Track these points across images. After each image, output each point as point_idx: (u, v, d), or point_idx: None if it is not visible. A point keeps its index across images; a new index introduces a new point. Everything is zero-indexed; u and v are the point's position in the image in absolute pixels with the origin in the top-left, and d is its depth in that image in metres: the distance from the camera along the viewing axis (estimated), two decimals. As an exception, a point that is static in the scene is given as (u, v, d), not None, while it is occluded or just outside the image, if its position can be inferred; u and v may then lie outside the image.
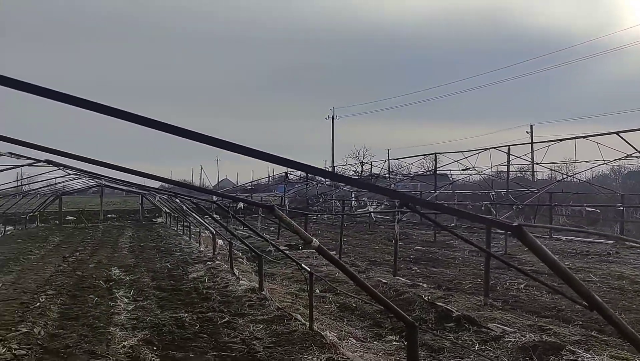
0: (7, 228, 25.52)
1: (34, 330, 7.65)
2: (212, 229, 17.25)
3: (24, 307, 9.29)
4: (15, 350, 6.73)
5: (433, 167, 26.85)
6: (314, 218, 33.35)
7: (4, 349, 6.69)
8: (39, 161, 8.19)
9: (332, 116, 69.98)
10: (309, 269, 8.37)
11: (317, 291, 11.19)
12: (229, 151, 3.02)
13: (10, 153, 6.65)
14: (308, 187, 40.33)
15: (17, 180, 27.68)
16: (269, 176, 59.54)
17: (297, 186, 46.22)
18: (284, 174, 40.41)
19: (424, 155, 32.56)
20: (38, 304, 9.39)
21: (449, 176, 32.75)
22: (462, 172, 25.86)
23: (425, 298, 10.01)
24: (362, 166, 56.95)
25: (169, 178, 8.08)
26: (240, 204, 18.85)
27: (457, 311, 9.02)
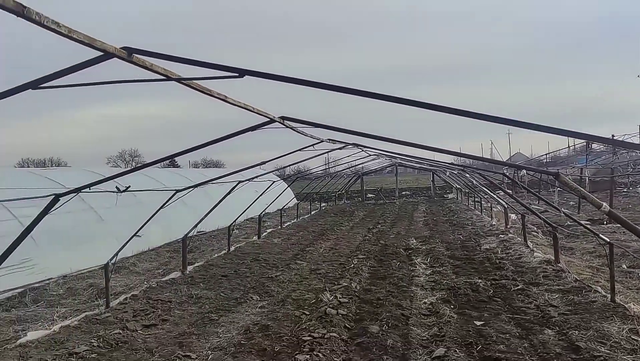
0: (321, 204, 30.06)
1: (352, 284, 9.26)
2: (503, 203, 17.34)
3: (342, 267, 11.21)
4: (339, 298, 8.33)
5: None
6: (624, 191, 29.91)
7: (332, 297, 8.36)
8: (348, 144, 9.76)
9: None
10: (607, 240, 8.02)
11: (624, 266, 10.47)
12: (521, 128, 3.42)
13: (329, 139, 8.20)
14: (615, 158, 36.11)
15: (325, 164, 32.14)
16: (568, 147, 54.92)
17: (602, 157, 41.56)
18: (584, 143, 36.91)
19: None
20: (352, 265, 11.19)
21: None
22: None
23: None
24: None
25: (459, 152, 8.66)
26: (523, 172, 18.28)
27: None
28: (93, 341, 6.49)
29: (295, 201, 27.54)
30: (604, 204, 5.33)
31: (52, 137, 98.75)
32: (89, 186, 5.81)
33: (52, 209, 5.56)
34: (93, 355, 6.08)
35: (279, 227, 19.17)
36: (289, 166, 29.89)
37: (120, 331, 6.87)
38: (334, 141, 8.47)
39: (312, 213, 25.68)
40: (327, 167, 31.14)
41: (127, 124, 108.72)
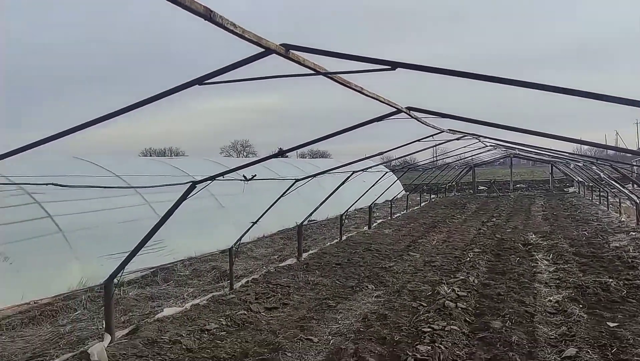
0: (431, 196, 29.52)
1: (469, 278, 9.00)
2: (635, 198, 15.96)
3: (457, 260, 10.95)
4: (457, 291, 8.15)
5: None
6: None
7: (449, 290, 8.19)
8: (467, 134, 9.49)
9: None
10: None
11: None
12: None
13: (449, 129, 8.03)
14: None
15: (433, 155, 31.44)
16: None
17: None
18: None
19: None
20: (468, 259, 10.88)
21: None
22: None
23: None
24: None
25: (592, 142, 8.05)
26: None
27: None
28: (221, 320, 6.90)
29: (403, 192, 27.30)
30: None
31: (170, 129, 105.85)
32: (222, 174, 6.16)
33: (189, 195, 5.97)
34: (222, 333, 6.47)
35: (389, 218, 19.11)
36: (397, 159, 29.63)
37: (245, 312, 7.23)
38: (453, 132, 8.28)
39: (422, 204, 25.31)
40: (434, 158, 30.49)
41: (239, 116, 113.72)
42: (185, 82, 3.04)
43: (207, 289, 8.79)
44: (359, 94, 4.43)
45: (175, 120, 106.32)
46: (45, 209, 8.68)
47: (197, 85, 3.05)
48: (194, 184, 5.90)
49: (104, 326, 6.11)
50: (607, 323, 6.71)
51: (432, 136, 8.18)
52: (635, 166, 25.62)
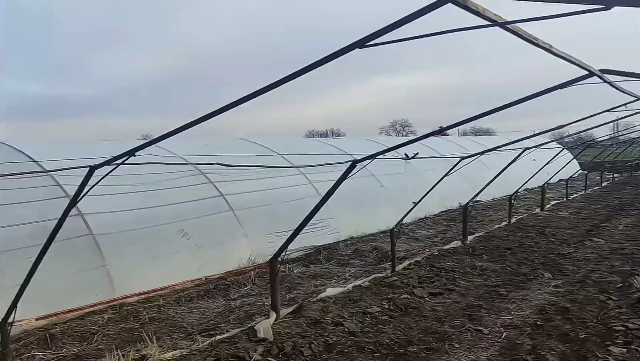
0: (614, 175, 26.34)
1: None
2: None
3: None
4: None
5: None
6: None
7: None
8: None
9: None
10: None
11: None
12: None
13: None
14: None
15: (614, 131, 27.93)
16: None
17: None
18: None
19: None
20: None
21: None
22: None
23: None
24: None
25: None
26: None
27: None
28: (384, 303, 6.71)
29: (580, 171, 24.71)
30: None
31: (330, 110, 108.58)
32: (382, 152, 5.91)
33: (350, 174, 5.83)
34: (385, 317, 6.27)
35: (564, 199, 17.37)
36: (571, 135, 26.91)
37: (408, 297, 6.96)
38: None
39: (603, 184, 22.64)
40: (615, 133, 27.11)
41: (401, 95, 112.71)
42: (344, 46, 2.79)
43: (369, 270, 8.67)
44: (545, 54, 3.82)
45: (335, 101, 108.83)
46: (219, 189, 9.24)
47: (357, 49, 2.78)
48: (354, 163, 5.73)
49: (270, 303, 6.28)
50: None
51: (624, 105, 7.03)
52: None
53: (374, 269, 8.65)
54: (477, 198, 14.55)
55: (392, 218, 9.25)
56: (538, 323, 5.92)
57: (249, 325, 5.85)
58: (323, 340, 5.50)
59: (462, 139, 24.98)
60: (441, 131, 6.95)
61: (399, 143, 6.58)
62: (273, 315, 6.00)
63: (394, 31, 2.61)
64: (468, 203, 10.92)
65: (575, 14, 2.46)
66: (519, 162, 11.56)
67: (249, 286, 7.78)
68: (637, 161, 30.19)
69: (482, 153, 8.84)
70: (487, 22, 2.62)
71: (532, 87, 5.39)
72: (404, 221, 8.99)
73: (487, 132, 52.25)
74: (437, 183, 8.65)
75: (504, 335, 5.65)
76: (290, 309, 6.40)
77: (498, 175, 10.82)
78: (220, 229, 8.68)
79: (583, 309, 6.27)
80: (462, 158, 8.48)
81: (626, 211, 14.49)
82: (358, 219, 11.13)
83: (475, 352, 5.24)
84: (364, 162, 5.83)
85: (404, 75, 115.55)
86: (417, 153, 6.73)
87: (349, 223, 10.88)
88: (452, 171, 8.41)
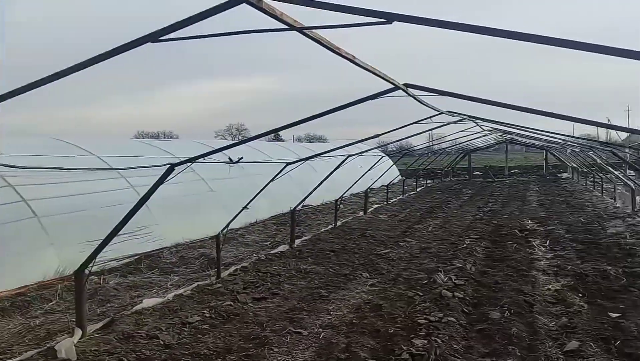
0: (427, 182, 29.20)
1: (466, 266, 8.69)
2: (631, 184, 15.68)
3: (453, 247, 10.62)
4: (454, 280, 7.82)
5: None
6: None
7: (446, 278, 7.87)
8: (465, 117, 9.09)
9: None
10: None
11: None
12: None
13: (448, 111, 7.63)
14: None
15: (429, 141, 31.04)
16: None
17: None
18: None
19: None
20: (465, 245, 10.56)
21: None
22: None
23: None
24: None
25: (601, 122, 7.65)
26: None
27: None
28: (205, 311, 6.53)
29: (400, 177, 26.94)
30: None
31: (162, 112, 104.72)
32: (203, 156, 5.76)
33: (167, 178, 5.57)
34: (205, 326, 6.10)
35: (385, 203, 18.77)
36: (393, 142, 29.24)
37: (232, 303, 6.87)
38: (452, 114, 7.87)
39: (418, 189, 24.98)
40: (430, 144, 30.08)
41: (235, 99, 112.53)
42: (134, 38, 2.62)
43: (193, 278, 8.42)
44: (360, 70, 4.03)
45: (167, 103, 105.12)
46: (20, 193, 8.24)
47: (150, 42, 2.63)
48: (172, 167, 5.49)
49: (75, 319, 5.71)
50: (609, 313, 6.42)
51: (430, 117, 7.78)
52: (629, 151, 25.33)
53: (198, 277, 8.41)
54: (307, 202, 15.01)
55: (223, 223, 9.11)
56: (354, 321, 6.23)
57: (49, 345, 5.26)
58: (134, 355, 5.16)
59: (296, 145, 25.72)
60: (266, 135, 6.98)
61: (223, 145, 6.48)
62: (78, 332, 5.46)
63: (189, 27, 2.51)
64: (296, 207, 11.20)
65: (365, 25, 2.60)
66: (347, 168, 12.21)
67: (54, 302, 7.03)
68: (446, 169, 33.85)
69: (306, 159, 9.13)
70: (284, 26, 2.64)
71: (356, 97, 5.69)
72: (234, 225, 8.93)
73: (320, 139, 54.60)
74: (264, 187, 8.73)
75: (322, 335, 5.84)
76: (100, 324, 5.90)
77: (323, 180, 11.27)
78: (20, 239, 7.72)
79: (394, 305, 6.75)
80: (288, 163, 8.67)
81: (435, 214, 16.11)
82: (186, 225, 10.78)
83: (294, 354, 5.33)
84: (183, 166, 5.62)
85: (243, 80, 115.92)
86: (242, 157, 6.69)
87: (175, 229, 10.48)
88: (279, 175, 8.55)
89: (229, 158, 6.49)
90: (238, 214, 8.64)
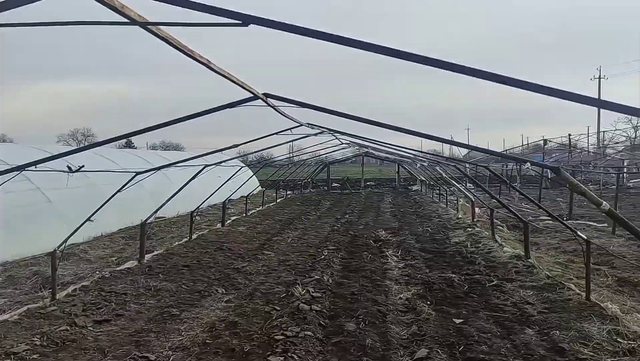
0: (287, 193, 29.45)
1: (324, 277, 8.73)
2: (471, 197, 17.17)
3: (312, 258, 10.67)
4: (311, 292, 7.79)
5: None
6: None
7: (304, 291, 7.81)
8: (325, 130, 9.21)
9: (599, 76, 61.66)
10: (585, 237, 7.77)
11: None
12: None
13: (308, 124, 7.63)
14: (572, 155, 36.78)
15: (289, 152, 31.50)
16: (522, 145, 56.05)
17: (554, 155, 42.50)
18: (543, 141, 37.38)
19: None
20: (323, 257, 10.66)
21: None
22: None
23: None
24: (635, 131, 49.41)
25: (450, 139, 8.18)
26: (527, 165, 18.27)
27: None
28: (35, 339, 5.73)
29: (260, 188, 26.80)
30: (604, 203, 4.98)
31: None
32: (35, 163, 5.05)
33: (-12, 188, 4.80)
34: (34, 356, 5.34)
35: (244, 215, 18.45)
36: (254, 153, 29.14)
37: (68, 328, 6.12)
38: (312, 126, 7.89)
39: (278, 201, 25.02)
40: (291, 155, 30.50)
41: (83, 101, 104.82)
42: None
43: (23, 300, 7.42)
44: (223, 79, 3.75)
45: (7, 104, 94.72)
46: None
47: None
48: (-6, 175, 4.74)
49: None
50: (454, 319, 6.80)
51: (290, 129, 7.72)
52: (468, 166, 27.93)
53: (29, 299, 7.43)
54: (161, 214, 14.23)
55: (62, 237, 8.17)
56: (207, 341, 5.87)
57: None
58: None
59: (149, 153, 24.44)
60: (114, 141, 6.40)
61: (63, 152, 5.79)
62: None
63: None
64: (147, 219, 10.48)
65: (219, 26, 2.37)
66: (205, 178, 11.72)
67: None
68: (306, 180, 34.49)
69: (159, 168, 8.57)
70: (125, 20, 2.32)
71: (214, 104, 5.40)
72: (76, 240, 8.08)
73: (176, 147, 52.69)
74: (110, 198, 7.99)
75: (171, 358, 5.40)
76: None
77: (178, 191, 10.72)
78: None
79: (250, 321, 6.51)
80: (138, 173, 8.05)
81: (294, 225, 16.18)
82: (17, 240, 9.57)
83: (138, 383, 4.84)
84: (11, 174, 4.88)
85: (92, 81, 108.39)
86: (83, 166, 6.03)
87: (3, 245, 9.22)
88: (126, 186, 7.89)
89: (68, 166, 5.80)
90: (78, 228, 7.80)
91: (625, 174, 29.84)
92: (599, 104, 2.84)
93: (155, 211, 10.74)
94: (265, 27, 2.28)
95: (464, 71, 2.67)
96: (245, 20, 2.23)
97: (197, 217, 14.04)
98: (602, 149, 39.10)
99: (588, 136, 43.66)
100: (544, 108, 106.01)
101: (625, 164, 27.63)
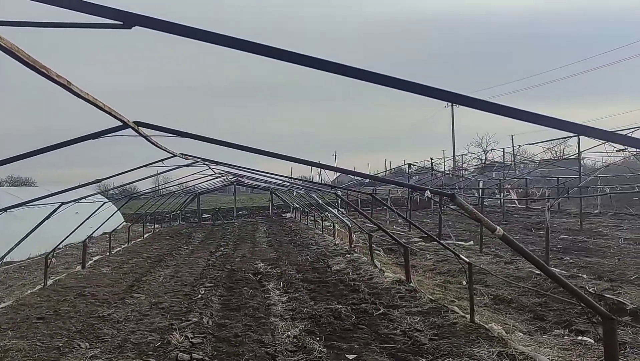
0: (154, 226, 27.75)
1: (203, 319, 8.05)
2: (347, 222, 17.35)
3: (188, 298, 9.88)
4: (190, 338, 7.09)
5: (564, 153, 24.79)
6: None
7: (182, 337, 7.08)
8: (199, 160, 8.62)
9: (452, 104, 67.56)
10: (467, 260, 8.01)
11: (464, 283, 10.75)
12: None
13: (182, 154, 7.04)
14: (432, 178, 39.44)
15: (155, 184, 29.97)
16: (386, 170, 59.31)
17: (415, 177, 45.39)
18: (405, 165, 39.63)
19: (564, 138, 29.99)
20: (200, 295, 9.93)
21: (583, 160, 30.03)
22: (611, 154, 23.35)
23: (590, 290, 9.25)
24: (485, 154, 54.55)
25: (336, 167, 8.03)
26: (427, 192, 18.75)
27: (631, 303, 8.24)
28: None
29: (125, 223, 24.92)
30: (498, 228, 5.04)
31: None
32: None
33: None
34: None
35: (108, 254, 16.86)
36: (116, 188, 27.23)
37: None
38: (186, 156, 7.28)
39: (145, 236, 23.40)
40: (157, 187, 28.96)
41: None
42: None
43: None
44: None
45: None
46: None
47: None
48: None
49: None
50: (347, 355, 6.54)
51: (162, 160, 7.05)
52: (341, 193, 28.53)
53: None
54: (9, 258, 12.47)
55: None
56: (69, 413, 4.96)
57: None
58: None
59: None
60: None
61: None
62: None
63: None
64: (-9, 267, 9.02)
65: (93, 27, 1.85)
66: (62, 216, 10.44)
67: None
68: (175, 212, 32.90)
69: (5, 209, 7.37)
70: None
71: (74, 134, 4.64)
72: None
73: (26, 183, 47.72)
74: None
75: None
76: None
77: (30, 233, 9.39)
78: None
79: (121, 381, 5.68)
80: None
81: (165, 262, 15.08)
82: None
83: None
84: None
85: None
86: None
87: None
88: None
89: None
90: None
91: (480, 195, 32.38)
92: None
93: (4, 256, 9.29)
94: (153, 30, 1.80)
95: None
96: (128, 20, 1.74)
97: (53, 259, 12.49)
98: (458, 171, 42.37)
99: (444, 159, 47.16)
100: (406, 135, 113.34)
101: (480, 185, 29.90)
